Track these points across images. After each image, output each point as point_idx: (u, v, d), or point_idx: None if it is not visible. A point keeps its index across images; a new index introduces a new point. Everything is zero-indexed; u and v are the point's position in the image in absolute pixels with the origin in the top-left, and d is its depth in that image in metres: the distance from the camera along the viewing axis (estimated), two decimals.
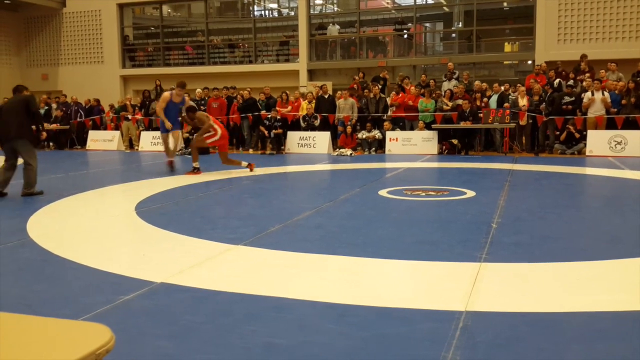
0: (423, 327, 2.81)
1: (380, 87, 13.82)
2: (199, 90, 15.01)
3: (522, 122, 12.31)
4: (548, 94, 12.21)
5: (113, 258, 4.19)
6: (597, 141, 11.71)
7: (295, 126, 14.02)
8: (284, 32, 19.03)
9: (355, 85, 14.52)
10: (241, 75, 18.17)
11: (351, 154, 12.66)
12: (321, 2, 19.72)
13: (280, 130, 13.29)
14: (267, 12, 21.24)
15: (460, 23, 18.12)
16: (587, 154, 11.71)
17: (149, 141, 14.95)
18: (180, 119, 10.17)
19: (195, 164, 9.42)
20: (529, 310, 3.01)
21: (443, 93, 13.12)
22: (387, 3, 19.36)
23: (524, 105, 12.25)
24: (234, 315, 3.00)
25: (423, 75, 14.54)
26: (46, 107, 16.94)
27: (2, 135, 7.11)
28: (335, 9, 19.84)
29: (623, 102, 11.85)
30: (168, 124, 9.69)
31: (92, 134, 16.20)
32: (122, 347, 2.07)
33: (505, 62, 17.89)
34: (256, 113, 14.04)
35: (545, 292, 3.32)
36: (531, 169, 9.57)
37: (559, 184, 8.03)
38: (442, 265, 3.89)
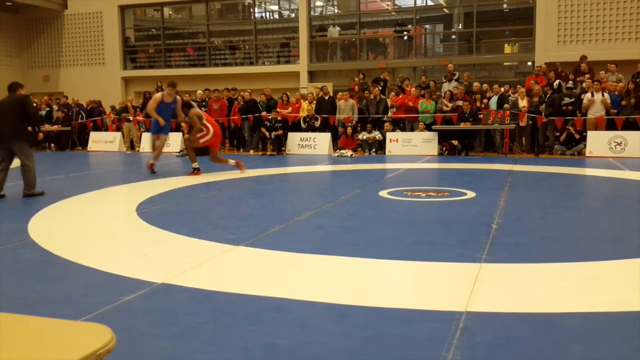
0: (423, 327, 2.81)
1: (380, 88, 13.83)
2: (200, 91, 15.03)
3: (522, 123, 12.32)
4: (548, 95, 12.21)
5: (114, 259, 4.20)
6: (597, 142, 11.71)
7: (296, 127, 14.04)
8: (285, 34, 19.04)
9: (355, 87, 14.55)
10: (242, 76, 18.18)
11: (352, 155, 12.67)
12: (321, 3, 19.74)
13: (280, 132, 13.31)
14: (267, 13, 21.26)
15: (460, 24, 18.12)
16: (587, 154, 11.71)
17: (150, 142, 14.93)
18: (181, 124, 10.13)
19: (195, 165, 9.42)
20: (529, 311, 3.01)
21: (443, 94, 13.13)
22: (387, 5, 19.37)
23: (524, 107, 12.26)
24: (235, 316, 3.01)
25: (423, 77, 14.55)
26: (47, 109, 16.98)
27: None
28: (336, 10, 19.85)
29: (623, 103, 11.85)
30: (162, 121, 9.54)
31: (93, 135, 16.22)
32: (122, 348, 2.08)
33: (505, 64, 17.90)
34: (257, 114, 14.05)
35: (546, 292, 3.32)
36: (531, 170, 9.57)
37: (559, 185, 8.04)
38: (442, 265, 3.89)
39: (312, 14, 18.40)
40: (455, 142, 12.56)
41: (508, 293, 3.32)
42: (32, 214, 5.95)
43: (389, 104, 13.56)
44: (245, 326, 2.86)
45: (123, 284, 3.56)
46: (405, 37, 18.02)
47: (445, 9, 18.78)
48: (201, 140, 9.44)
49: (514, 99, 12.52)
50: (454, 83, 13.66)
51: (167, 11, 21.11)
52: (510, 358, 2.49)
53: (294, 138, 13.64)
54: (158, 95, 9.83)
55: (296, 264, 4.03)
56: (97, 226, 5.46)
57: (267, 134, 13.35)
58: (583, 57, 13.23)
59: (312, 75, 18.09)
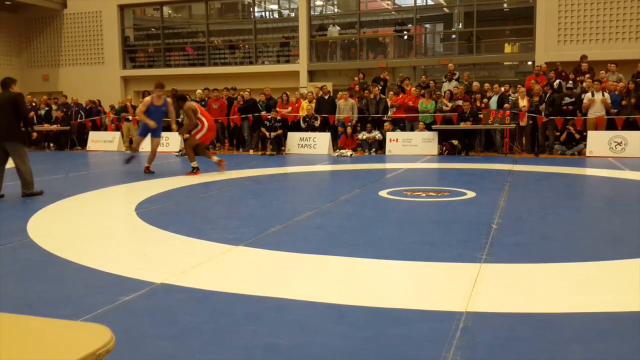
0: (423, 327, 2.81)
1: (380, 88, 13.83)
2: (199, 91, 15.02)
3: (522, 123, 12.32)
4: (548, 95, 12.21)
5: (113, 258, 4.20)
6: (597, 142, 11.71)
7: (296, 127, 14.03)
8: (284, 33, 19.04)
9: (356, 87, 14.54)
10: (241, 76, 18.18)
11: (351, 154, 12.67)
12: (321, 3, 19.74)
13: (280, 131, 13.30)
14: (267, 13, 21.26)
15: (460, 24, 18.13)
16: (587, 154, 11.72)
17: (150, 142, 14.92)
18: (178, 132, 10.12)
19: (194, 164, 9.41)
20: (529, 311, 3.01)
21: (443, 94, 13.13)
22: (387, 4, 19.37)
23: (524, 106, 12.26)
24: (234, 316, 3.00)
25: (423, 76, 14.56)
26: (46, 108, 16.97)
27: None
28: (336, 10, 19.85)
29: (623, 102, 11.85)
30: (151, 123, 9.44)
31: (93, 135, 16.21)
32: (122, 348, 2.08)
33: (505, 63, 17.90)
34: (256, 114, 14.05)
35: (546, 292, 3.32)
36: (531, 170, 9.57)
37: (559, 185, 8.03)
38: (442, 265, 3.89)
39: (312, 13, 18.39)
40: (455, 142, 12.56)
41: (508, 293, 3.31)
42: (31, 214, 5.95)
43: (389, 103, 13.55)
44: (245, 326, 2.85)
45: (122, 284, 3.56)
46: (405, 37, 18.02)
47: (445, 9, 18.78)
48: (197, 136, 9.43)
49: (514, 98, 12.51)
50: (454, 83, 13.66)
51: (166, 10, 21.11)
52: (510, 358, 2.48)
53: (293, 138, 13.63)
54: (147, 98, 9.75)
55: (296, 264, 4.02)
56: (96, 226, 5.46)
57: (267, 133, 13.34)
58: (583, 57, 13.23)
59: (312, 75, 18.09)
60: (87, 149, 15.95)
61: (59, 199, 6.92)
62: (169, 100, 10.01)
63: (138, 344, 2.67)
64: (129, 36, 20.70)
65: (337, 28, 18.41)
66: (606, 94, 11.88)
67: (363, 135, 13.32)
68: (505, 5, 17.75)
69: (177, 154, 13.56)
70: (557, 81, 12.78)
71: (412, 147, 12.80)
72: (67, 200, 6.90)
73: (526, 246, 4.44)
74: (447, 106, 12.76)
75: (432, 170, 10.41)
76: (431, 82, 13.81)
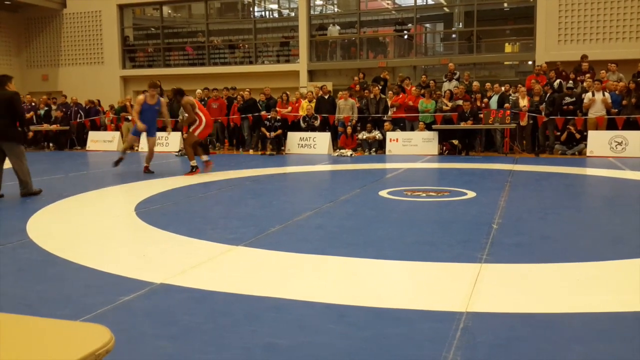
0: (423, 327, 2.81)
1: (380, 87, 13.83)
2: (199, 90, 15.02)
3: (523, 123, 12.31)
4: (548, 95, 12.21)
5: (113, 258, 4.19)
6: (598, 142, 11.71)
7: (296, 127, 14.02)
8: (284, 33, 19.04)
9: (356, 87, 14.53)
10: (241, 75, 18.18)
11: (351, 154, 12.66)
12: (321, 2, 19.73)
13: (280, 131, 13.29)
14: (267, 12, 21.26)
15: (461, 24, 18.13)
16: (588, 154, 11.71)
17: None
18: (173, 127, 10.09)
19: (193, 163, 9.40)
20: (530, 311, 3.00)
21: (443, 94, 13.13)
22: (388, 4, 19.37)
23: (524, 106, 12.26)
24: (234, 316, 3.00)
25: (423, 76, 14.55)
26: (46, 108, 16.97)
27: None
28: (336, 9, 19.85)
29: (624, 102, 11.85)
30: (140, 125, 9.44)
31: (92, 135, 16.21)
32: (122, 348, 2.07)
33: (505, 63, 17.90)
34: (256, 114, 14.04)
35: (546, 292, 3.31)
36: (532, 170, 9.57)
37: (559, 185, 8.03)
38: (442, 265, 3.88)
39: (311, 12, 18.39)
40: (455, 142, 12.56)
41: (508, 293, 3.31)
42: (31, 214, 5.94)
43: (389, 103, 13.55)
44: (245, 326, 2.85)
45: (122, 284, 3.55)
46: (406, 36, 18.02)
47: (445, 8, 18.77)
48: (195, 133, 9.43)
49: (514, 98, 12.51)
50: (454, 82, 13.66)
51: (166, 10, 21.11)
52: (510, 358, 2.48)
53: (293, 138, 13.63)
54: (141, 97, 9.74)
55: (296, 264, 4.02)
56: (96, 226, 5.45)
57: (267, 133, 13.33)
58: (584, 57, 13.23)
59: (312, 75, 18.09)
60: (87, 148, 15.95)
61: (59, 199, 6.92)
62: (163, 100, 10.00)
63: (138, 344, 2.67)
64: (129, 36, 20.70)
65: (337, 27, 18.41)
66: (607, 94, 11.88)
67: (363, 135, 13.32)
68: (505, 4, 17.75)
69: (176, 153, 13.56)
70: (558, 81, 12.78)
71: (412, 147, 12.79)
72: (66, 200, 6.90)
73: (526, 246, 4.43)
74: (447, 106, 12.76)
75: (432, 170, 10.40)
76: (431, 81, 13.81)
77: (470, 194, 6.90)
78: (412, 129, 13.25)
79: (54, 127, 16.28)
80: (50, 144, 16.61)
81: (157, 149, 13.66)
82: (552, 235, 4.83)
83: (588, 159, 11.33)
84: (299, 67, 17.93)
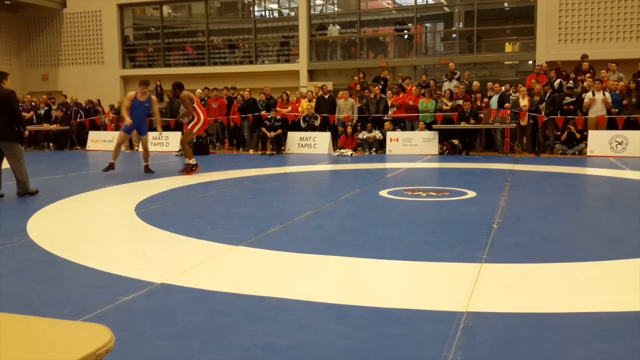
0: (423, 327, 2.81)
1: (380, 87, 13.83)
2: (199, 90, 15.02)
3: (523, 123, 12.31)
4: (548, 94, 12.21)
5: (113, 258, 4.19)
6: (598, 141, 11.71)
7: (296, 127, 14.02)
8: (284, 33, 19.03)
9: (357, 86, 14.53)
10: (241, 75, 18.18)
11: (352, 154, 12.66)
12: (321, 2, 19.73)
13: (280, 131, 13.29)
14: (267, 12, 21.25)
15: (461, 23, 18.12)
16: (588, 154, 11.71)
17: (149, 142, 14.92)
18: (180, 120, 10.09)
19: (192, 161, 9.38)
20: (530, 311, 3.00)
21: (443, 93, 13.13)
22: (388, 3, 19.36)
23: (524, 106, 12.25)
24: (234, 316, 3.00)
25: (424, 76, 14.54)
26: (46, 108, 16.97)
27: None
28: (336, 9, 19.83)
29: (624, 102, 11.85)
30: (128, 120, 9.39)
31: (92, 135, 16.20)
32: (122, 348, 2.07)
33: (506, 63, 17.90)
34: (256, 113, 14.04)
35: (546, 292, 3.31)
36: (532, 170, 9.57)
37: (559, 185, 8.03)
38: (442, 265, 3.88)
39: (312, 12, 18.39)
40: (455, 142, 12.55)
41: (508, 293, 3.31)
42: (31, 214, 5.94)
43: (389, 103, 13.55)
44: (245, 326, 2.85)
45: (122, 284, 3.55)
46: (406, 36, 18.02)
47: (445, 8, 18.77)
48: (194, 130, 9.41)
49: (514, 98, 12.51)
50: (454, 82, 13.66)
51: (166, 10, 21.10)
52: (510, 358, 2.48)
53: (293, 137, 13.63)
54: (132, 93, 9.70)
55: (296, 264, 4.02)
56: (96, 226, 5.45)
57: (267, 133, 13.33)
58: (584, 56, 13.22)
59: (312, 74, 18.08)
60: (87, 148, 15.95)
61: (59, 199, 6.91)
62: (154, 98, 9.97)
63: (138, 344, 2.67)
64: (129, 36, 20.69)
65: (337, 27, 18.40)
66: (607, 94, 11.87)
67: (363, 134, 13.32)
68: (505, 4, 17.74)
69: (176, 153, 13.54)
70: (558, 80, 12.77)
71: (412, 147, 12.79)
72: (66, 200, 6.90)
73: (526, 246, 4.43)
74: (447, 105, 12.76)
75: (432, 170, 10.40)
76: (431, 81, 13.80)
77: (471, 194, 6.90)
78: (413, 129, 13.25)
79: (54, 127, 16.27)
80: (51, 144, 16.61)
81: (157, 148, 13.71)
82: (552, 235, 4.82)
83: (588, 158, 11.33)
84: (299, 66, 17.93)
